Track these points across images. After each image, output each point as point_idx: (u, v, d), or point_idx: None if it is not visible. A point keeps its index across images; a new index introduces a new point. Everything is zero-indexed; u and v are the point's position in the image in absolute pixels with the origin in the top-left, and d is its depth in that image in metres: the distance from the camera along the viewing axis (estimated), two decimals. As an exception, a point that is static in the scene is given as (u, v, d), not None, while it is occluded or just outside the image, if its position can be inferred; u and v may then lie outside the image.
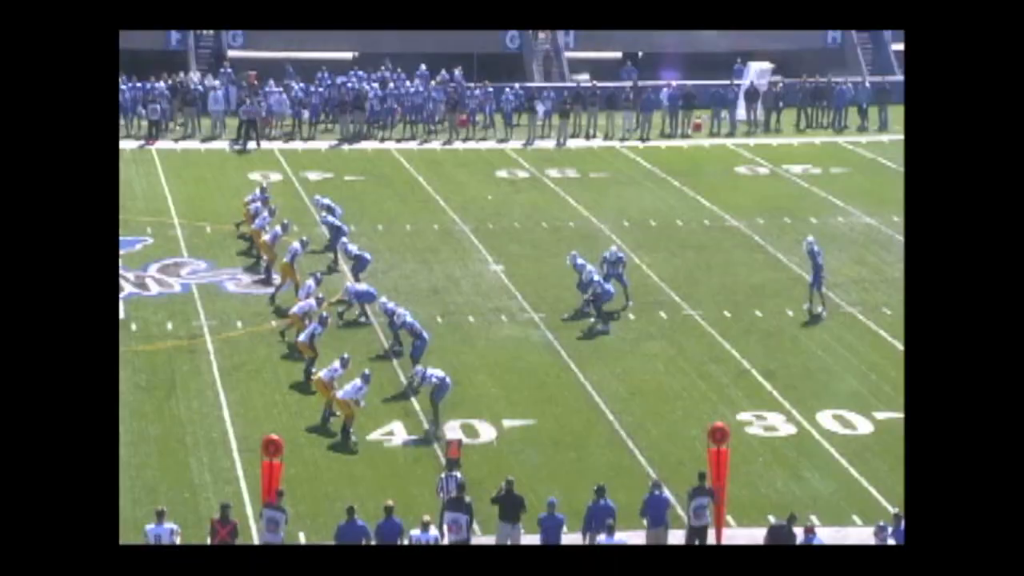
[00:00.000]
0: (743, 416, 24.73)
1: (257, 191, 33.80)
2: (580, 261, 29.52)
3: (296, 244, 29.72)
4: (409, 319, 26.29)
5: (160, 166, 39.91)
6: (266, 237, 30.99)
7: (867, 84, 47.39)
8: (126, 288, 29.94)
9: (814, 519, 20.07)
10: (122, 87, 43.50)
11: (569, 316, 28.98)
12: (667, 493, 20.35)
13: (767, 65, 47.80)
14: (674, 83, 46.13)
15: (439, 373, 24.16)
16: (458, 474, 20.49)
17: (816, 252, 29.54)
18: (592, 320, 28.71)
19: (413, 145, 43.39)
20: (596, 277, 28.93)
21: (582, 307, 29.06)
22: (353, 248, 30.54)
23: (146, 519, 19.35)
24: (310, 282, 27.67)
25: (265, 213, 32.20)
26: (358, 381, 23.54)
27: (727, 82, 46.92)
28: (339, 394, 23.45)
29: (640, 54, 50.79)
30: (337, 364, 24.05)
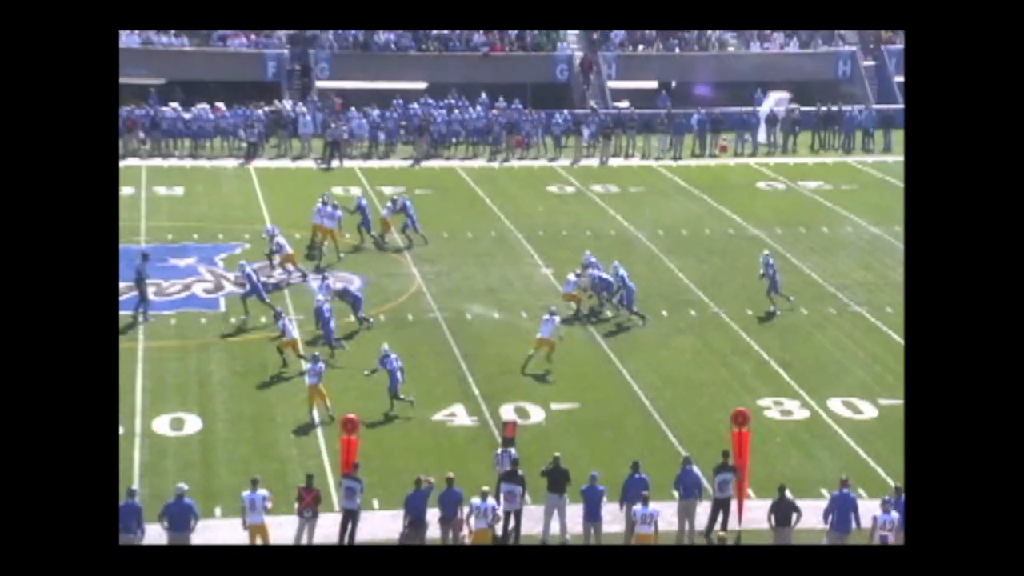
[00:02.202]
0: (762, 402, 24.45)
1: (329, 208, 32.75)
2: (593, 259, 29.18)
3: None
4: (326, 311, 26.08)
5: (256, 181, 40.07)
6: (330, 224, 31.98)
7: (873, 111, 46.87)
8: (226, 286, 30.04)
9: (824, 492, 19.77)
10: (225, 113, 43.91)
11: (611, 315, 28.73)
12: (696, 468, 20.15)
13: (785, 94, 47.44)
14: (703, 110, 45.86)
15: (393, 358, 23.50)
16: (512, 450, 20.37)
17: (771, 264, 29.33)
18: (628, 316, 28.43)
19: (474, 163, 43.34)
20: (606, 276, 28.55)
21: (614, 306, 28.55)
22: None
23: (242, 486, 19.35)
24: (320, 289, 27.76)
25: (339, 212, 32.48)
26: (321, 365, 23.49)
27: (750, 109, 46.64)
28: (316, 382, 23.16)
29: (674, 84, 50.49)
30: (309, 365, 23.55)
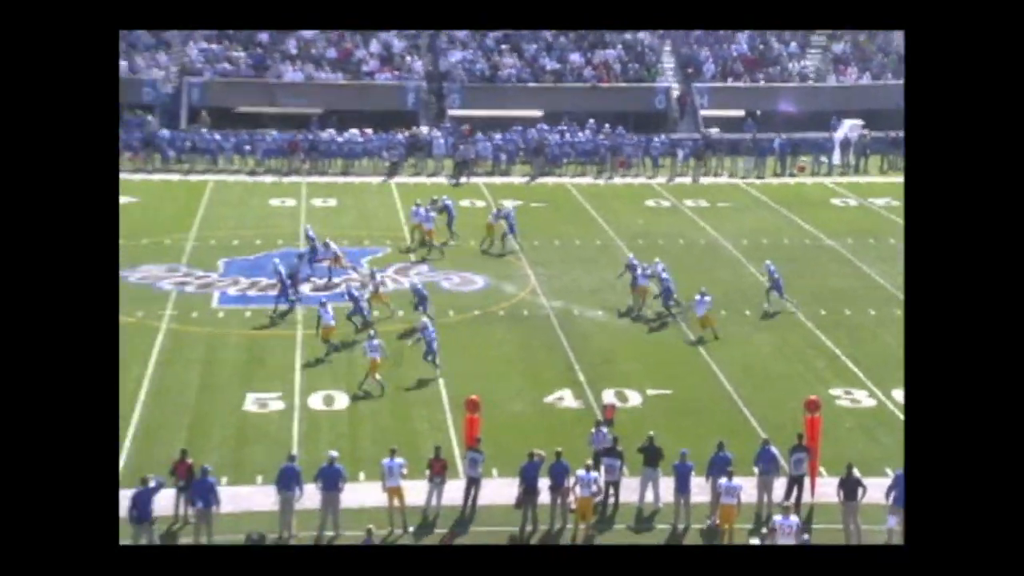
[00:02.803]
0: (833, 391, 24.05)
1: (422, 211, 34.04)
2: (635, 262, 28.96)
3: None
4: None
5: (396, 195, 40.61)
6: (428, 226, 33.16)
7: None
8: (369, 284, 30.43)
9: (888, 471, 19.35)
10: (372, 137, 44.67)
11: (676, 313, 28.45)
12: (774, 448, 19.91)
13: (858, 121, 46.65)
14: (784, 135, 45.27)
15: (431, 331, 24.06)
16: (604, 429, 20.34)
17: (773, 271, 28.79)
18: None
19: (582, 180, 43.33)
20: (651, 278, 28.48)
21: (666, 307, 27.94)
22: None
23: (382, 455, 19.56)
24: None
25: (432, 214, 33.42)
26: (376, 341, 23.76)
27: (826, 134, 45.93)
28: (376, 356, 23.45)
29: (759, 112, 49.89)
30: (367, 342, 23.80)
